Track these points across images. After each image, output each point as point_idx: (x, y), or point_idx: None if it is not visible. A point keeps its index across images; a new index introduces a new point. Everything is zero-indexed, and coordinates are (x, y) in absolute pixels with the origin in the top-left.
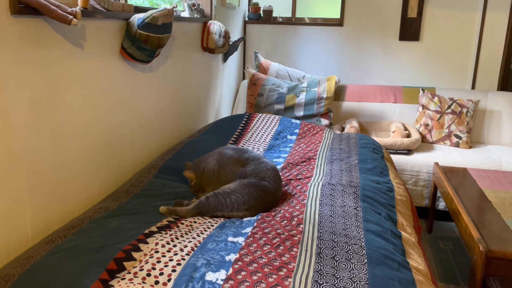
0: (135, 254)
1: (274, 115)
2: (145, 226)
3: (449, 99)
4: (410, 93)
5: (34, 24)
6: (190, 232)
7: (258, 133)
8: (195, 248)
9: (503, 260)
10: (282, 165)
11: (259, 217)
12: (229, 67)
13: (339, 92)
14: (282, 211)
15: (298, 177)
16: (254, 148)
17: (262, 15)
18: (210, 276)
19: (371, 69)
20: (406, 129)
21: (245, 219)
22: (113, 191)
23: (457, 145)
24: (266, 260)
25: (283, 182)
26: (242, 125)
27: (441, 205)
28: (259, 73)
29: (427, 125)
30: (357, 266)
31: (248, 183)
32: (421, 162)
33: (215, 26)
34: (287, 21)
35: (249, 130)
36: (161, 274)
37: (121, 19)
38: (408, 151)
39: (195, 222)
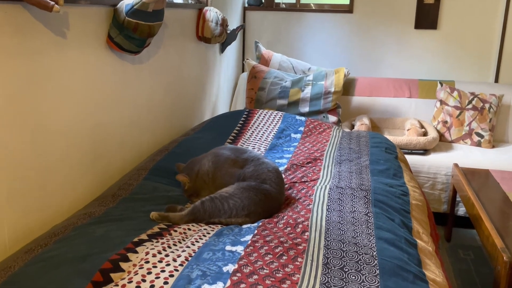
0: (123, 265)
1: (276, 111)
2: (134, 233)
3: (469, 93)
4: (427, 87)
5: (12, 11)
6: (184, 240)
7: (259, 131)
8: (190, 258)
9: None
10: (286, 166)
11: (260, 223)
12: (227, 58)
13: (348, 86)
14: (286, 217)
15: (303, 180)
16: (254, 148)
17: (263, 1)
18: None
19: (384, 61)
20: (422, 126)
21: (244, 226)
22: (99, 195)
23: (478, 144)
24: (267, 271)
25: (286, 185)
26: (241, 122)
27: (461, 210)
28: (260, 65)
29: (445, 122)
30: (368, 277)
31: (247, 186)
32: (439, 163)
33: (212, 13)
34: (291, 8)
35: (249, 128)
36: (152, 286)
37: (108, 6)
38: (425, 151)
39: (189, 229)
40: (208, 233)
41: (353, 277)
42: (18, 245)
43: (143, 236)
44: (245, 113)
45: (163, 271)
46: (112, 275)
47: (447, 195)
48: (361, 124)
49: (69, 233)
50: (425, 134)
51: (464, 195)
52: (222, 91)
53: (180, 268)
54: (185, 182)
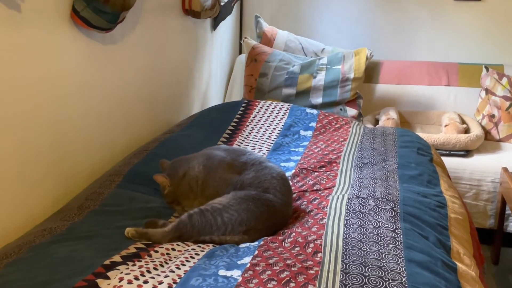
0: None
1: (282, 103)
2: (105, 254)
3: None
4: (469, 73)
5: None
6: (167, 263)
7: (260, 127)
8: (174, 286)
9: None
10: (293, 171)
11: (262, 242)
12: (221, 36)
13: (371, 71)
14: (293, 234)
15: (315, 188)
16: (254, 149)
17: None
18: None
19: (416, 40)
20: (463, 122)
21: (242, 246)
22: (62, 207)
23: None
24: None
25: (294, 195)
26: (238, 116)
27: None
28: (262, 45)
29: (492, 116)
30: None
31: (246, 196)
32: (484, 167)
33: None
34: None
35: (247, 124)
36: None
37: None
38: (467, 152)
39: (173, 249)
40: (197, 254)
41: None
42: None
43: (116, 258)
44: (243, 105)
45: None
46: None
47: (494, 207)
48: (387, 119)
49: (25, 254)
50: (466, 131)
51: None
52: (215, 77)
53: None
54: (164, 185)
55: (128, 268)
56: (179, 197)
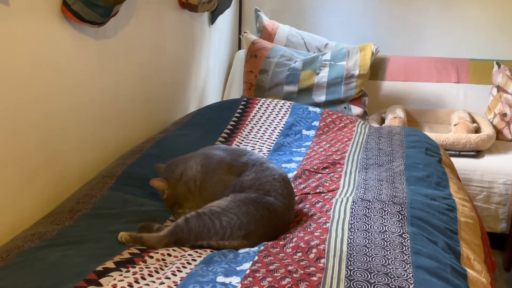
0: None
1: (283, 101)
2: (97, 260)
3: None
4: (480, 69)
5: None
6: (163, 270)
7: (261, 126)
8: None
9: None
10: (295, 172)
11: (262, 247)
12: (219, 31)
13: (377, 68)
14: (295, 239)
15: (317, 190)
16: (254, 149)
17: None
18: None
19: (424, 34)
20: (473, 120)
21: (241, 251)
22: (52, 210)
23: None
24: None
25: (296, 198)
26: (237, 115)
27: None
28: (262, 40)
29: (504, 115)
30: None
31: (246, 199)
32: (495, 169)
33: None
34: None
35: (247, 123)
36: None
37: None
38: (477, 153)
39: (169, 255)
40: (194, 260)
41: None
42: None
43: (109, 264)
44: (242, 103)
45: None
46: None
47: (506, 211)
48: (394, 118)
49: (13, 259)
50: (477, 130)
51: None
52: (213, 74)
53: None
54: (163, 189)
55: (121, 275)
56: (180, 200)
